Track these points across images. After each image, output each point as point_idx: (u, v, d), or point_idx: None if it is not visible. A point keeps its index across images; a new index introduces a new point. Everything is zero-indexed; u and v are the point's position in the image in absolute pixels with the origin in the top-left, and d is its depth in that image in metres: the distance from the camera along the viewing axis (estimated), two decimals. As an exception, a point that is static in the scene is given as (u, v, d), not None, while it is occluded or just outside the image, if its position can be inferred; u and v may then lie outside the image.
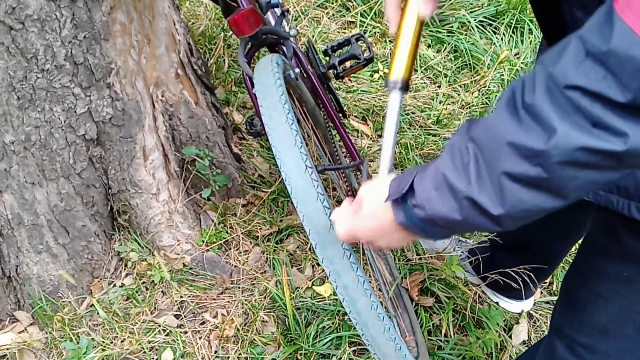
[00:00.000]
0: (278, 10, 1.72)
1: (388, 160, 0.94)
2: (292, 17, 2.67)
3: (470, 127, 0.71)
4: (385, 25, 2.72)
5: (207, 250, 1.78)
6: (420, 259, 1.83)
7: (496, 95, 2.51)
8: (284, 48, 1.62)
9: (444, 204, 0.72)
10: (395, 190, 0.79)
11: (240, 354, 1.59)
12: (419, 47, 0.92)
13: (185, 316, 1.66)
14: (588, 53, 0.58)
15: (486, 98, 2.53)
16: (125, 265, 1.74)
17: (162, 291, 1.70)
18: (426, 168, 0.76)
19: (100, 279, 1.71)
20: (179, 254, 1.76)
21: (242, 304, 1.69)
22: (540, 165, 0.63)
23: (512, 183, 0.66)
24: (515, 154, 0.64)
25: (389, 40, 2.67)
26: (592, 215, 1.12)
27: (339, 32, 2.70)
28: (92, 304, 1.65)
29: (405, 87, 0.95)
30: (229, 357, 1.59)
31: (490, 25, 2.84)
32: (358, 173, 1.85)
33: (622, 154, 0.59)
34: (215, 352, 1.60)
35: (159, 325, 1.62)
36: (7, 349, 1.56)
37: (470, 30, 2.77)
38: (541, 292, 1.93)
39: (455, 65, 2.64)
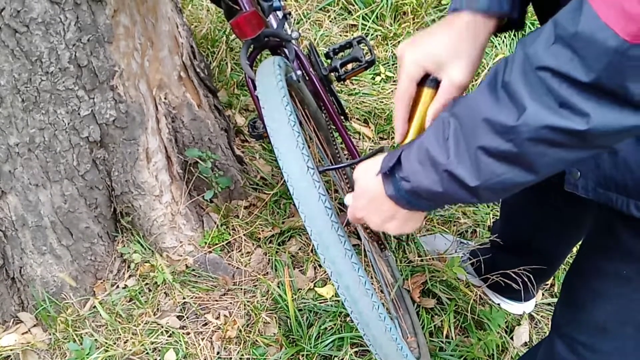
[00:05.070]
0: (280, 13, 1.73)
1: None
2: (294, 20, 2.68)
3: (454, 104, 0.76)
4: (387, 27, 2.73)
5: (210, 252, 1.79)
6: (421, 260, 1.83)
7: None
8: (286, 51, 1.63)
9: (427, 177, 0.77)
10: (385, 164, 0.85)
11: (242, 355, 1.60)
12: None
13: (187, 317, 1.67)
14: (558, 36, 0.62)
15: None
16: (128, 266, 1.75)
17: (164, 292, 1.71)
18: (413, 143, 0.81)
19: (104, 280, 1.72)
20: (181, 256, 1.77)
21: (245, 305, 1.70)
22: (512, 140, 0.67)
23: (488, 157, 0.70)
24: (490, 130, 0.69)
25: (391, 44, 2.68)
26: (592, 215, 1.13)
27: (340, 35, 2.71)
28: (95, 305, 1.66)
29: None
30: (231, 358, 1.60)
31: (491, 28, 2.84)
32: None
33: (585, 133, 0.63)
34: (218, 353, 1.60)
35: (162, 327, 1.63)
36: (11, 350, 1.57)
37: (472, 33, 2.77)
38: (542, 294, 1.94)
39: (456, 67, 2.65)
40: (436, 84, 0.91)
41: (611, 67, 0.59)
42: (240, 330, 1.63)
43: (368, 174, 0.90)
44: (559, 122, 0.63)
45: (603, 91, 0.61)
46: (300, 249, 1.87)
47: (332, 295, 1.74)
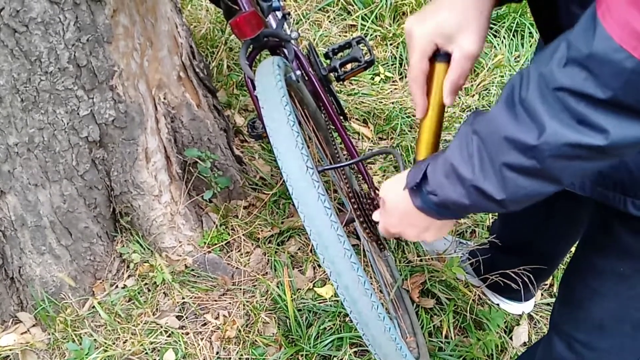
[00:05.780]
0: (279, 14, 1.73)
1: None
2: (294, 20, 2.68)
3: (475, 120, 0.78)
4: (386, 28, 2.73)
5: (209, 252, 1.79)
6: (421, 260, 1.83)
7: (496, 98, 2.51)
8: (285, 51, 1.63)
9: (454, 191, 0.80)
10: (411, 179, 0.87)
11: (241, 355, 1.60)
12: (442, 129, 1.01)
13: (187, 317, 1.67)
14: (572, 56, 0.63)
15: (486, 101, 2.54)
16: (128, 266, 1.75)
17: (164, 292, 1.71)
18: (437, 157, 0.83)
19: (103, 280, 1.72)
20: (180, 256, 1.77)
21: (244, 305, 1.70)
22: (535, 158, 0.69)
23: (512, 173, 0.72)
24: (512, 148, 0.70)
25: (391, 44, 2.68)
26: (588, 213, 1.13)
27: (340, 36, 2.71)
28: (94, 305, 1.66)
29: None
30: (230, 358, 1.60)
31: (490, 28, 2.85)
32: (359, 175, 1.85)
33: (605, 148, 0.64)
34: (217, 353, 1.60)
35: (161, 327, 1.63)
36: (10, 350, 1.57)
37: (471, 33, 2.77)
38: (541, 294, 1.94)
39: (455, 68, 2.65)
40: (447, 58, 0.91)
41: (628, 85, 0.60)
42: (239, 330, 1.63)
43: (395, 191, 0.92)
44: (579, 139, 0.65)
45: (621, 106, 0.61)
46: (299, 249, 1.87)
47: (332, 295, 1.74)
